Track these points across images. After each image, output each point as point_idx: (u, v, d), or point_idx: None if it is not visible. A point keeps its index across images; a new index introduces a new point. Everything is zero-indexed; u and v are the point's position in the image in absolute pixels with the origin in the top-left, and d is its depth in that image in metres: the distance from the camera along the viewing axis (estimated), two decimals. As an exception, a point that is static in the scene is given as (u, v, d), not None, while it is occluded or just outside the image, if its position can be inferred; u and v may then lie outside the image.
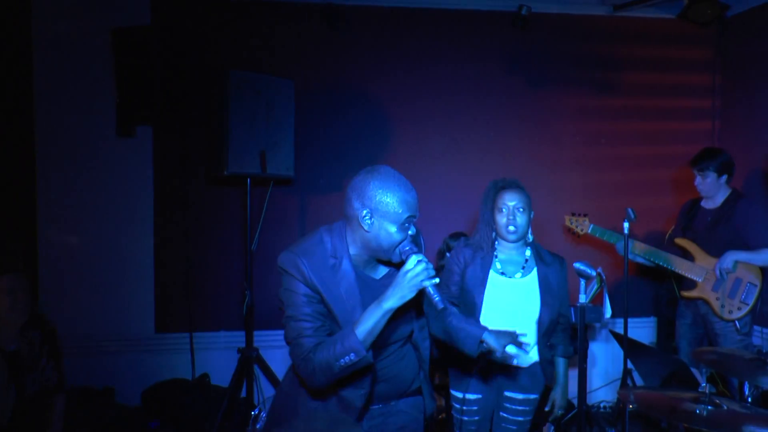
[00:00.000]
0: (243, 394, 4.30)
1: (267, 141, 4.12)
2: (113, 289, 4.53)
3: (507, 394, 3.16)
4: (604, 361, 5.01)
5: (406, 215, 2.21)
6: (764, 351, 2.63)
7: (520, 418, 3.17)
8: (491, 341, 2.55)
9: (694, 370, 3.85)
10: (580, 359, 2.96)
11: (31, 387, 3.10)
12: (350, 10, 4.73)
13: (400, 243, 2.22)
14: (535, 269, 3.15)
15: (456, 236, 4.21)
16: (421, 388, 2.53)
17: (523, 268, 3.16)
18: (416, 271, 2.13)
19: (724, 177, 4.06)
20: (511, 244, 3.16)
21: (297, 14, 4.71)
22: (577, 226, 4.47)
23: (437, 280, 2.15)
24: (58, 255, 4.42)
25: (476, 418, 3.19)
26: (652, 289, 5.08)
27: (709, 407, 2.32)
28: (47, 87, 4.40)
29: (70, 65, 4.43)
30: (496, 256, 3.17)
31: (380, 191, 2.21)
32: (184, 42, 4.29)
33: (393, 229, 2.21)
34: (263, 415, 2.94)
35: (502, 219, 3.11)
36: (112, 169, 4.53)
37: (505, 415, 3.18)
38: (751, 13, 4.82)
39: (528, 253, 3.19)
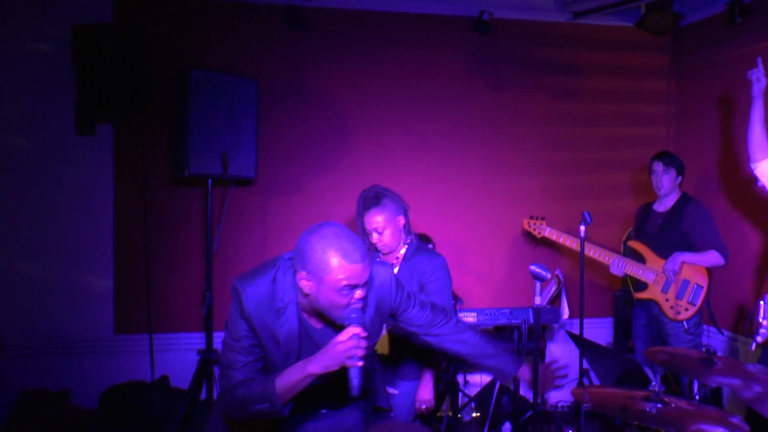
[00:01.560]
0: (203, 396, 4.27)
1: (228, 141, 4.11)
2: (71, 289, 4.46)
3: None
4: (562, 361, 5.02)
5: (344, 284, 2.04)
6: (712, 350, 2.71)
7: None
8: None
9: (648, 369, 3.95)
10: (535, 360, 3.01)
11: None
12: (313, 12, 4.74)
13: (344, 307, 2.09)
14: (400, 266, 3.24)
15: (419, 238, 4.24)
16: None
17: (392, 265, 3.19)
18: (346, 345, 2.02)
19: (680, 178, 4.21)
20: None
21: (260, 15, 4.70)
22: (535, 229, 4.57)
23: (361, 363, 2.02)
24: (13, 254, 4.33)
25: None
26: (610, 290, 5.19)
27: (659, 405, 2.39)
28: (2, 84, 4.31)
29: (27, 62, 4.34)
30: (378, 257, 3.28)
31: (318, 254, 2.05)
32: (145, 40, 4.24)
33: (332, 294, 2.07)
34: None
35: (370, 239, 3.21)
36: (71, 168, 4.46)
37: None
38: (703, 22, 4.96)
39: (402, 251, 3.27)
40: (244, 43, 4.69)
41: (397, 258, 3.26)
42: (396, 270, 3.21)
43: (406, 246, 3.27)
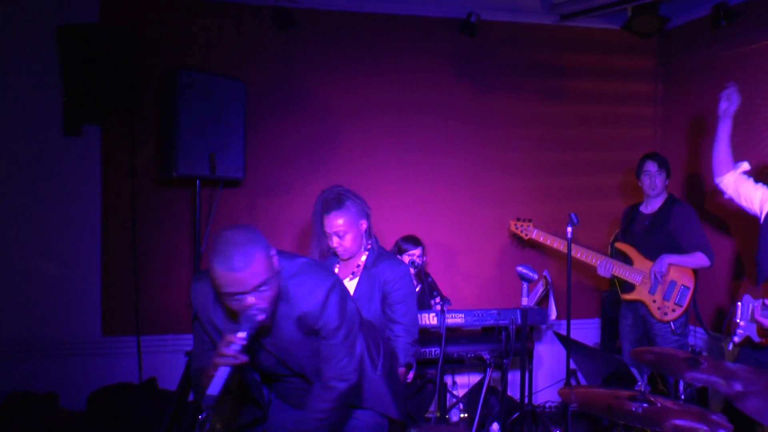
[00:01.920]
0: (191, 397, 4.26)
1: (217, 142, 4.10)
2: (58, 291, 4.44)
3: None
4: (550, 362, 5.12)
5: (223, 290, 2.05)
6: (698, 350, 2.73)
7: None
8: None
9: (635, 370, 3.98)
10: (522, 360, 3.03)
11: None
12: (301, 13, 4.74)
13: (239, 312, 2.09)
14: (360, 275, 3.13)
15: (408, 239, 4.26)
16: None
17: (353, 273, 3.14)
18: (227, 348, 2.02)
19: (667, 180, 4.25)
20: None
21: (248, 16, 4.70)
22: (522, 231, 4.60)
23: (221, 371, 2.00)
24: (1, 255, 4.31)
25: None
26: (597, 291, 5.22)
27: (644, 404, 2.42)
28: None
29: (13, 61, 4.32)
30: (338, 263, 3.18)
31: (210, 258, 2.05)
32: (133, 41, 4.22)
33: (223, 298, 2.10)
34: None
35: (329, 243, 3.09)
36: (58, 169, 4.43)
37: None
38: (689, 25, 5.01)
39: (363, 258, 3.15)
40: (233, 44, 4.69)
41: (358, 266, 3.15)
42: (356, 280, 3.12)
43: (367, 252, 3.16)
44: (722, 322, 4.29)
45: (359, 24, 4.90)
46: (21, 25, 4.32)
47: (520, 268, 2.83)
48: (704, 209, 4.72)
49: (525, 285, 2.93)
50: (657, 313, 4.14)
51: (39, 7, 4.33)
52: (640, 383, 2.51)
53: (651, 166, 4.23)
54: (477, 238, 5.11)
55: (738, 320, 3.35)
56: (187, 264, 4.50)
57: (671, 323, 4.11)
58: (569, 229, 3.70)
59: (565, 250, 3.79)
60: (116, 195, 4.52)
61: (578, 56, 5.25)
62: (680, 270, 4.12)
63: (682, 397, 3.06)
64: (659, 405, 2.43)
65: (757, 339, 3.42)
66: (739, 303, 3.57)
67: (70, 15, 4.24)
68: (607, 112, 5.30)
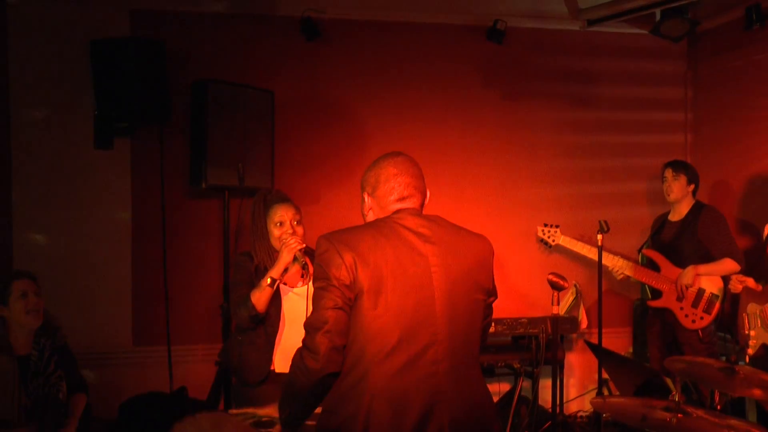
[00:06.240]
0: (221, 407, 4.28)
1: (245, 153, 4.13)
2: (90, 302, 4.49)
3: None
4: (581, 371, 5.05)
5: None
6: (732, 359, 2.67)
7: None
8: None
9: (668, 379, 3.91)
10: (553, 369, 2.99)
11: (35, 392, 3.18)
12: (327, 23, 4.76)
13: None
14: None
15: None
16: None
17: (303, 276, 3.05)
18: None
19: (692, 187, 4.20)
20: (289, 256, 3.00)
21: (275, 27, 4.74)
22: (549, 237, 4.55)
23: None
24: (33, 268, 4.36)
25: None
26: (628, 299, 5.14)
27: (680, 415, 2.37)
28: (23, 98, 4.38)
29: (47, 76, 4.40)
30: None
31: None
32: (162, 53, 4.27)
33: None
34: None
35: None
36: (90, 182, 4.50)
37: None
38: (720, 28, 4.94)
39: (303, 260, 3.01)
40: (260, 54, 4.73)
41: (304, 266, 3.05)
42: None
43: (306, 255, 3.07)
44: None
45: (386, 32, 4.91)
46: (55, 40, 4.40)
47: (551, 277, 2.80)
48: (734, 216, 4.62)
49: (556, 293, 2.89)
50: (685, 321, 4.07)
51: (72, 22, 4.41)
52: (674, 393, 2.46)
53: (666, 173, 4.24)
54: (506, 246, 5.04)
55: (748, 332, 3.28)
56: (217, 274, 4.52)
57: (699, 331, 4.04)
58: (600, 236, 3.66)
59: (593, 256, 3.75)
60: (146, 206, 4.57)
61: (606, 62, 5.21)
62: (709, 277, 4.04)
63: (718, 407, 2.99)
64: (695, 416, 2.38)
65: None
66: (746, 314, 3.53)
67: (101, 29, 4.30)
68: (636, 118, 5.24)
